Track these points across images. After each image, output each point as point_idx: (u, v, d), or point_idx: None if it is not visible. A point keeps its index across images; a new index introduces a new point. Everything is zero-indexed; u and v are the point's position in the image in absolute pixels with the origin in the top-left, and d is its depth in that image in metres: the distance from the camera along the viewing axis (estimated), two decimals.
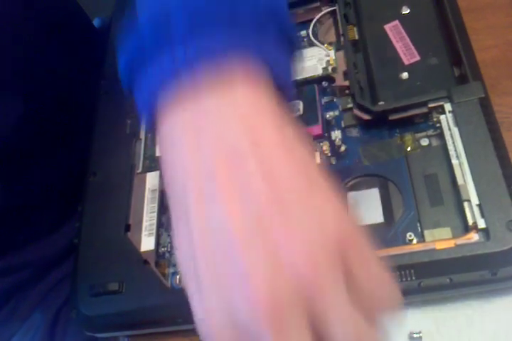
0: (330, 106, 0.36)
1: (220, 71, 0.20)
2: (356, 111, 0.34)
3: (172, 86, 0.21)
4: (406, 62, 0.35)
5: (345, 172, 0.33)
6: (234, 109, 0.20)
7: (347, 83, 0.35)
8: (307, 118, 0.36)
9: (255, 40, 0.21)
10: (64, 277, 0.48)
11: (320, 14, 0.40)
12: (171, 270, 0.33)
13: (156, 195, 0.36)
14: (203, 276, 0.19)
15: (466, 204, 0.28)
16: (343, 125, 0.35)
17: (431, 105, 0.31)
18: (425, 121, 0.32)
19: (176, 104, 0.21)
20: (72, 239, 0.48)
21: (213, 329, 0.18)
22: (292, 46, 0.23)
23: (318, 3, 0.41)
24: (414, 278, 0.27)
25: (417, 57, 0.35)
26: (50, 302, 0.47)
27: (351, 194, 0.32)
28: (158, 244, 0.35)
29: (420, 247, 0.28)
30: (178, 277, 0.33)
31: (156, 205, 0.36)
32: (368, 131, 0.34)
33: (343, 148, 0.34)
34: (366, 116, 0.33)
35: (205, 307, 0.19)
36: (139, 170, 0.38)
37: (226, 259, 0.18)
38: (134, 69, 0.22)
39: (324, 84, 0.37)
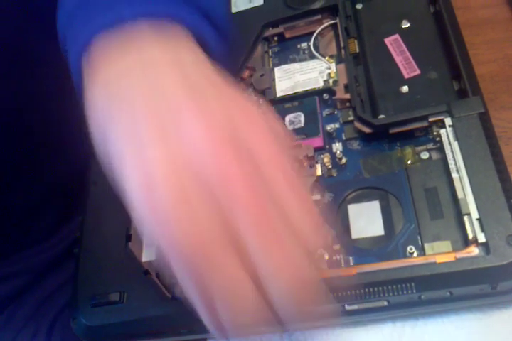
0: (331, 118, 0.37)
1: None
2: (357, 124, 0.34)
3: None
4: (406, 75, 0.35)
5: (346, 185, 0.33)
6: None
7: (348, 96, 0.36)
8: (308, 130, 0.36)
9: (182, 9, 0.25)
10: (60, 285, 0.48)
11: (321, 27, 0.40)
12: (173, 280, 0.34)
13: None
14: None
15: (466, 218, 0.28)
16: (344, 137, 0.35)
17: (431, 119, 0.32)
18: (425, 135, 0.33)
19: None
20: (69, 243, 0.48)
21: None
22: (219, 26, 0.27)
23: (319, 16, 0.41)
24: (414, 291, 0.27)
25: (417, 71, 0.35)
26: (46, 310, 0.47)
27: (352, 206, 0.32)
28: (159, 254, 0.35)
29: (421, 260, 0.28)
30: (179, 288, 0.33)
31: None
32: (369, 144, 0.34)
33: (343, 161, 0.34)
34: (367, 129, 0.34)
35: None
36: None
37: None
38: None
39: (325, 96, 0.37)
